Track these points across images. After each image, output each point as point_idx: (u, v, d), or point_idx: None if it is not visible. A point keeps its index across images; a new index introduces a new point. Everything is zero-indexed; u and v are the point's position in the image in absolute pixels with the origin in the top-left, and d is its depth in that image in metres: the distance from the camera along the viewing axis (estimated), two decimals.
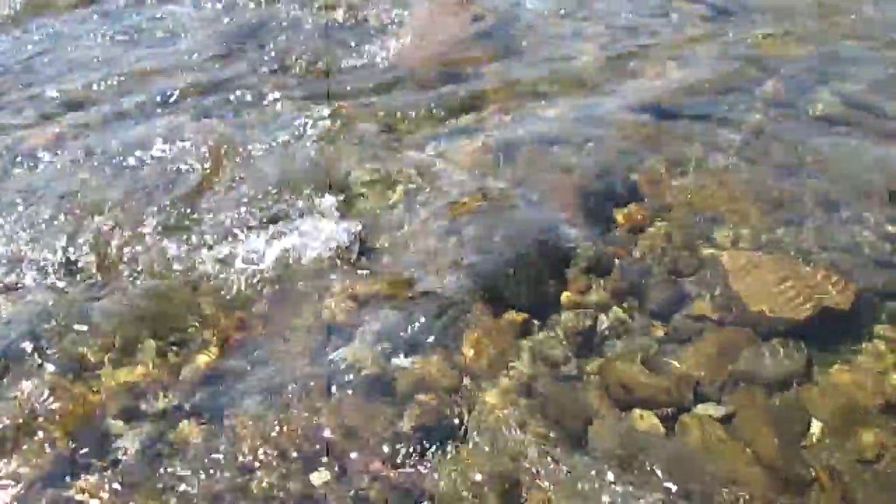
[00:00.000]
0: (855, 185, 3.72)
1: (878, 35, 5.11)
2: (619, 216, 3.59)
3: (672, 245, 3.42)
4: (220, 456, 2.63)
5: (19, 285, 3.36)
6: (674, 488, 2.48)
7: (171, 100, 4.73)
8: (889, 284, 3.18)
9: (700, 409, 2.76)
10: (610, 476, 2.51)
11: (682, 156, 3.96)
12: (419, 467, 2.56)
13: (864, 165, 3.85)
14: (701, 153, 3.98)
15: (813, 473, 2.52)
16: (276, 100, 4.64)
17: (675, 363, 2.91)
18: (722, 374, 2.86)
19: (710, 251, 3.38)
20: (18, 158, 4.23)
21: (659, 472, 2.52)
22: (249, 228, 3.56)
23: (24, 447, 2.68)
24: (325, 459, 2.59)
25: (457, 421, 2.71)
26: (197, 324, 3.14)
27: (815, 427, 2.66)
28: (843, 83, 4.58)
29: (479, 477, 2.53)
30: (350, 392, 2.81)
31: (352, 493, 2.50)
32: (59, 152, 4.25)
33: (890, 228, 3.45)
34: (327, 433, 2.67)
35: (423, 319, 3.08)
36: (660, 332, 3.06)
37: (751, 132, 4.15)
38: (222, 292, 3.26)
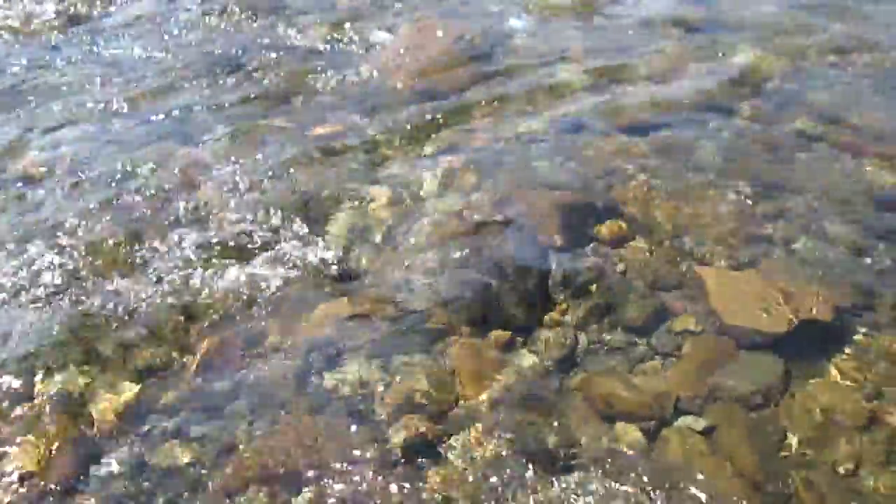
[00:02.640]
0: (832, 200, 3.79)
1: (854, 52, 5.21)
2: (601, 233, 3.63)
3: (653, 261, 3.47)
4: (206, 477, 2.64)
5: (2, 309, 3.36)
6: (656, 501, 2.50)
7: (155, 124, 4.74)
8: (865, 298, 3.24)
9: (681, 422, 2.80)
10: (593, 490, 2.53)
11: (663, 172, 4.01)
12: (405, 486, 2.57)
13: (841, 181, 3.92)
14: (681, 170, 4.04)
15: (792, 486, 2.56)
16: (260, 122, 4.67)
17: (657, 377, 2.95)
18: (702, 388, 2.90)
19: (691, 266, 3.42)
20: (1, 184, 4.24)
21: (641, 486, 2.55)
22: (232, 251, 3.58)
23: (11, 471, 2.68)
24: (309, 480, 2.60)
25: (442, 439, 2.73)
26: (180, 346, 3.15)
27: (794, 439, 2.71)
28: (821, 100, 4.66)
29: (464, 494, 2.54)
30: (334, 412, 2.83)
31: None
32: (42, 178, 4.25)
33: (867, 243, 3.51)
34: (312, 453, 2.67)
35: (407, 339, 3.10)
36: (641, 347, 3.10)
37: (730, 149, 4.21)
38: (205, 314, 3.28)
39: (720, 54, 5.25)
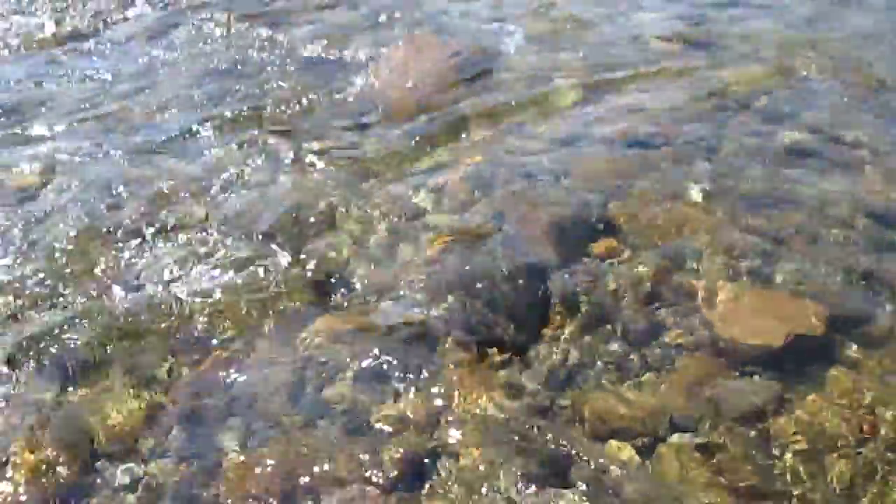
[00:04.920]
0: (827, 214, 3.79)
1: (847, 67, 5.24)
2: (595, 247, 3.62)
3: (647, 275, 3.46)
4: (200, 495, 2.62)
5: None
6: None
7: (148, 138, 4.76)
8: (860, 311, 3.23)
9: (676, 438, 2.77)
10: None
11: (656, 187, 4.01)
12: None
13: (832, 194, 3.92)
14: (674, 184, 4.04)
15: (787, 501, 2.54)
16: (254, 137, 4.68)
17: (651, 393, 2.94)
18: (697, 404, 2.88)
19: (684, 281, 3.41)
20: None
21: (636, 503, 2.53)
22: (227, 265, 3.58)
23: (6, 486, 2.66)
24: (302, 497, 2.58)
25: (435, 457, 2.71)
26: (173, 363, 3.14)
27: (789, 455, 2.68)
28: (812, 114, 4.68)
29: None
30: (328, 429, 2.81)
31: None
32: (38, 191, 4.26)
33: (860, 256, 3.51)
34: (304, 470, 2.65)
35: (400, 356, 3.08)
36: (635, 363, 3.08)
37: (723, 163, 4.22)
38: (198, 331, 3.27)
39: (713, 69, 5.28)
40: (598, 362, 3.09)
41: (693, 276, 3.45)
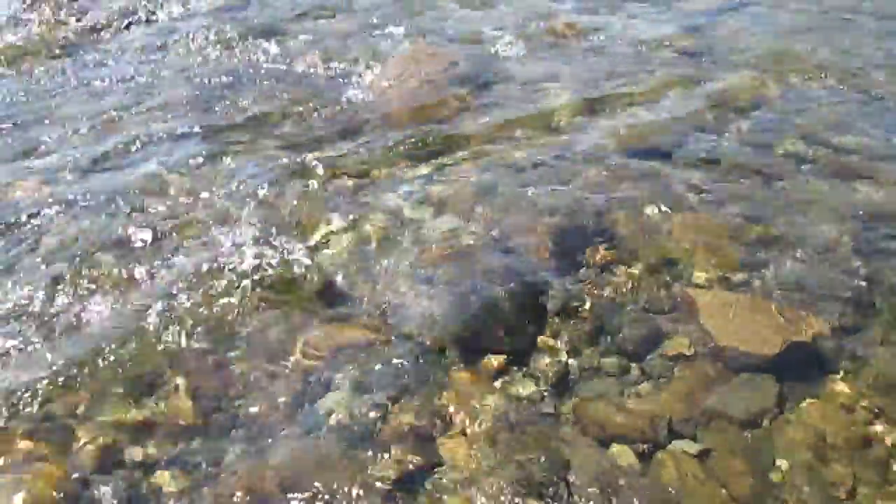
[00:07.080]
0: (822, 223, 3.81)
1: (843, 75, 5.28)
2: (592, 257, 3.64)
3: (644, 284, 3.48)
4: None
5: None
6: None
7: (147, 150, 4.77)
8: (857, 319, 3.25)
9: (675, 446, 2.79)
10: None
11: (654, 196, 4.03)
12: None
13: (830, 203, 3.95)
14: (672, 193, 4.06)
15: None
16: (251, 147, 4.70)
17: (650, 401, 2.95)
18: (696, 411, 2.90)
19: (682, 289, 3.43)
20: None
21: None
22: (223, 276, 3.58)
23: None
24: None
25: (435, 466, 2.72)
26: (171, 373, 3.14)
27: (787, 462, 2.70)
28: (810, 123, 4.71)
29: None
30: (325, 442, 2.81)
31: None
32: (35, 202, 4.27)
33: (856, 265, 3.53)
34: (301, 484, 2.66)
35: (399, 365, 3.09)
36: (634, 371, 3.10)
37: (721, 172, 4.24)
38: (196, 340, 3.27)
39: (709, 78, 5.31)
40: (598, 370, 3.11)
41: (690, 284, 3.47)
